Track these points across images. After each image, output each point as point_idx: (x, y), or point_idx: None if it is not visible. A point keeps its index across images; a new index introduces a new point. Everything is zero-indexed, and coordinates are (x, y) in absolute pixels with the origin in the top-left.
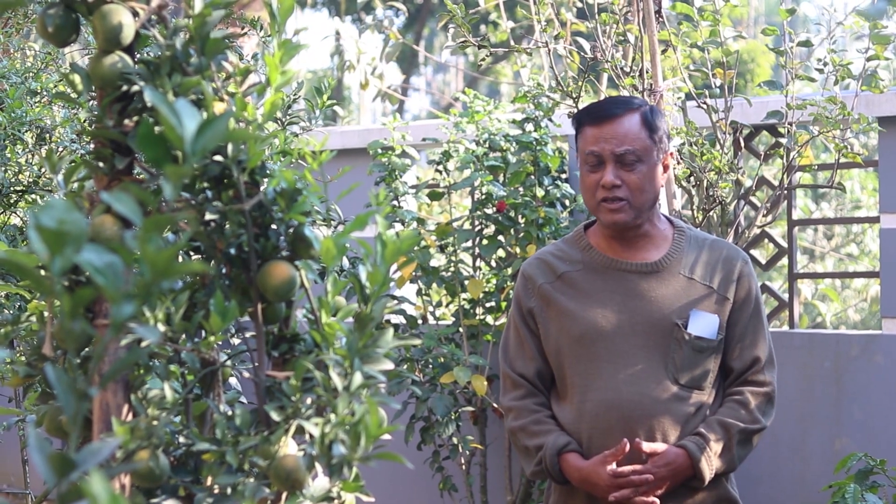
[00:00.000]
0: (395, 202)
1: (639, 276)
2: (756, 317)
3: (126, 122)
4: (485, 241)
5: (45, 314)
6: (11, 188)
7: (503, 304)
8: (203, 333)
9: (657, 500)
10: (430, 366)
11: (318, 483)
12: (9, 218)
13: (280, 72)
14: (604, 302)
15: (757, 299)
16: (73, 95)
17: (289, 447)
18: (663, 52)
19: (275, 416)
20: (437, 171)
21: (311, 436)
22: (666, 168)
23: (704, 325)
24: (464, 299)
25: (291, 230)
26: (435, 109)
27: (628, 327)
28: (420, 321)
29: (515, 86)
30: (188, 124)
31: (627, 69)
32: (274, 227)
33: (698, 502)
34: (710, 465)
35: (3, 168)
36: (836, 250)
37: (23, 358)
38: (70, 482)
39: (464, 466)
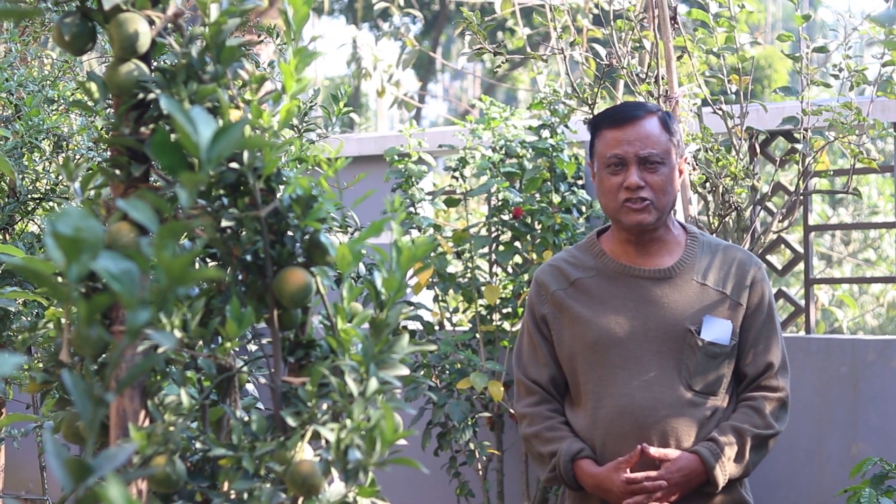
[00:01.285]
0: (412, 209)
1: (652, 283)
2: (769, 322)
3: (142, 129)
4: (501, 248)
5: (62, 321)
6: (29, 196)
7: (519, 311)
8: (219, 339)
9: None
10: (447, 371)
11: (334, 488)
12: (26, 226)
13: (296, 79)
14: (617, 308)
15: (770, 305)
16: (90, 103)
17: (305, 452)
18: (679, 58)
19: (291, 422)
20: (453, 177)
21: (326, 441)
22: (681, 173)
23: (718, 330)
24: (480, 305)
25: (307, 237)
26: (452, 116)
27: (642, 333)
28: (437, 327)
29: (532, 92)
30: (203, 132)
31: (643, 75)
32: (290, 233)
33: None
34: (723, 470)
35: (21, 176)
36: (853, 255)
37: (40, 364)
38: (87, 487)
39: (481, 472)
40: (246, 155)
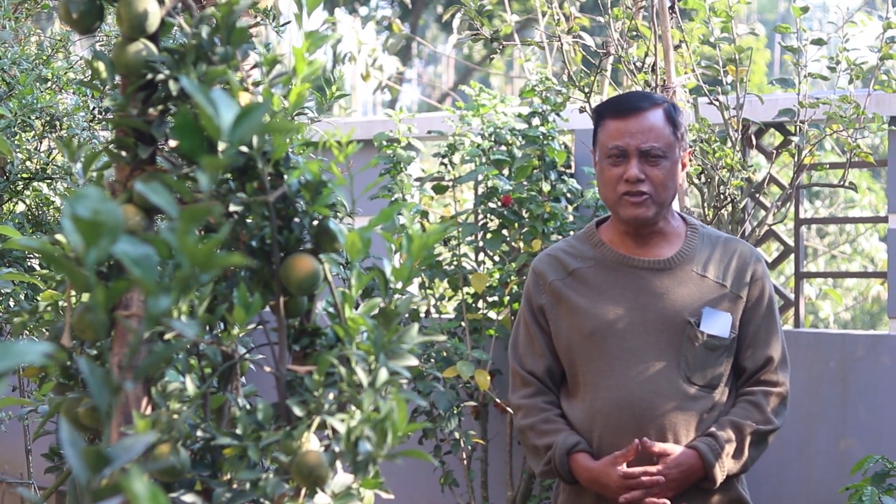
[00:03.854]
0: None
1: (651, 274)
2: (769, 316)
3: (150, 110)
4: (489, 236)
5: (61, 304)
6: (19, 175)
7: (505, 299)
8: (222, 326)
9: (668, 502)
10: (433, 359)
11: (339, 479)
12: (15, 205)
13: (307, 62)
14: (615, 299)
15: (770, 298)
16: (97, 83)
17: (311, 443)
18: (676, 47)
19: (297, 412)
20: (442, 163)
21: (334, 432)
22: (684, 166)
23: (717, 323)
24: (466, 293)
25: (315, 223)
26: (428, 101)
27: (640, 325)
28: (423, 315)
29: (506, 78)
30: (225, 114)
31: (640, 64)
32: (297, 219)
33: None
34: (722, 466)
35: (15, 153)
36: (830, 247)
37: (64, 352)
38: (101, 478)
39: (465, 461)
40: (255, 138)
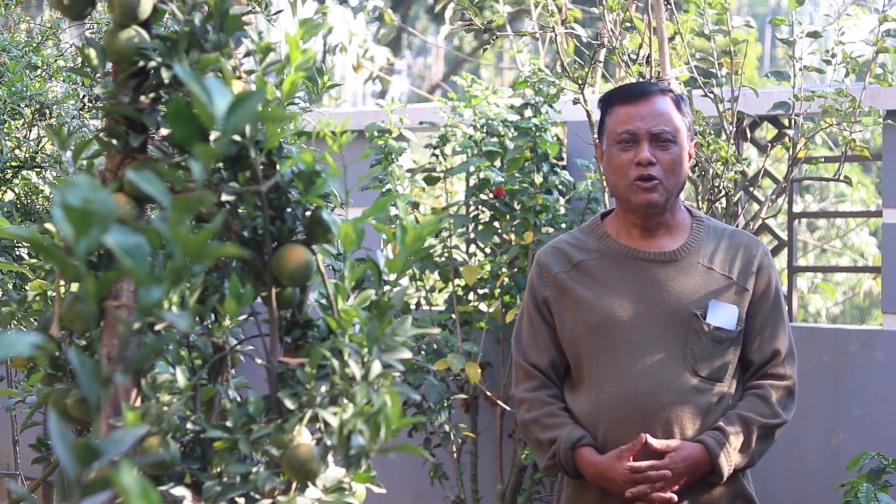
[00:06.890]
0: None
1: (657, 266)
2: (776, 308)
3: (142, 98)
4: (480, 227)
5: (50, 294)
6: (8, 164)
7: (496, 291)
8: (213, 317)
9: (675, 496)
10: (423, 352)
11: (331, 473)
12: (4, 194)
13: (301, 51)
14: (621, 291)
15: (777, 291)
16: (88, 70)
17: (302, 436)
18: (670, 39)
19: (289, 404)
20: (433, 154)
21: (326, 425)
22: (691, 156)
23: (723, 315)
24: (457, 285)
25: (308, 213)
26: (417, 91)
27: (646, 317)
28: (413, 307)
29: (496, 70)
30: (219, 102)
31: (634, 56)
32: (290, 209)
33: (715, 498)
34: (728, 460)
35: (4, 142)
36: (820, 242)
37: (53, 343)
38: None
39: (455, 454)
40: (248, 127)
